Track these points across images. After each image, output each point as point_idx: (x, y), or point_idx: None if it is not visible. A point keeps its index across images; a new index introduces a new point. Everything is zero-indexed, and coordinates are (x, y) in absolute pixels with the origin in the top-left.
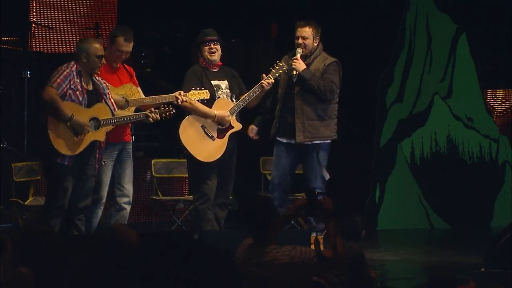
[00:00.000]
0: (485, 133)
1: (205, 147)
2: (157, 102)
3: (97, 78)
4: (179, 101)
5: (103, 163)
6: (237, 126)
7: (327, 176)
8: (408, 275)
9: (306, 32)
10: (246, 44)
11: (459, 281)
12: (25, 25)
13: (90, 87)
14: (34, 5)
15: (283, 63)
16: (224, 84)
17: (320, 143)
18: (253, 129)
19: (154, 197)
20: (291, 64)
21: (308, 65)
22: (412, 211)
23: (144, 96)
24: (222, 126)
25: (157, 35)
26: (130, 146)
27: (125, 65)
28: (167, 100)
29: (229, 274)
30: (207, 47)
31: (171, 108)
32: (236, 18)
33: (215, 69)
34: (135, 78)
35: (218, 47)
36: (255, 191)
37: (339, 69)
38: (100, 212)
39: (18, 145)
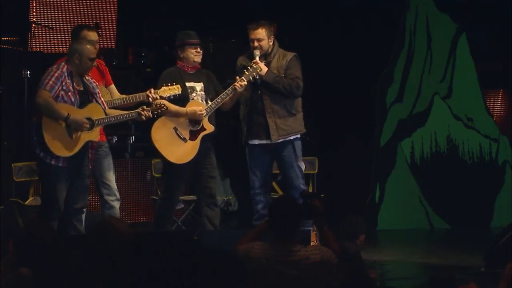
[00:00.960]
0: (485, 133)
1: (177, 148)
2: (126, 107)
3: (86, 77)
4: (150, 99)
5: None
6: (209, 128)
7: (303, 167)
8: (408, 275)
9: (260, 34)
10: (246, 44)
11: (459, 281)
12: (25, 25)
13: (81, 88)
14: (34, 5)
15: (257, 65)
16: (199, 86)
17: (293, 138)
18: None
19: (154, 197)
20: (252, 67)
21: (268, 63)
22: (412, 211)
23: (118, 94)
24: (194, 128)
25: (157, 35)
26: (106, 145)
27: (97, 62)
28: (138, 100)
29: (229, 274)
30: (194, 49)
31: (163, 105)
32: (236, 18)
33: (192, 71)
34: (108, 74)
35: (199, 48)
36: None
37: (299, 62)
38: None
39: (18, 145)
